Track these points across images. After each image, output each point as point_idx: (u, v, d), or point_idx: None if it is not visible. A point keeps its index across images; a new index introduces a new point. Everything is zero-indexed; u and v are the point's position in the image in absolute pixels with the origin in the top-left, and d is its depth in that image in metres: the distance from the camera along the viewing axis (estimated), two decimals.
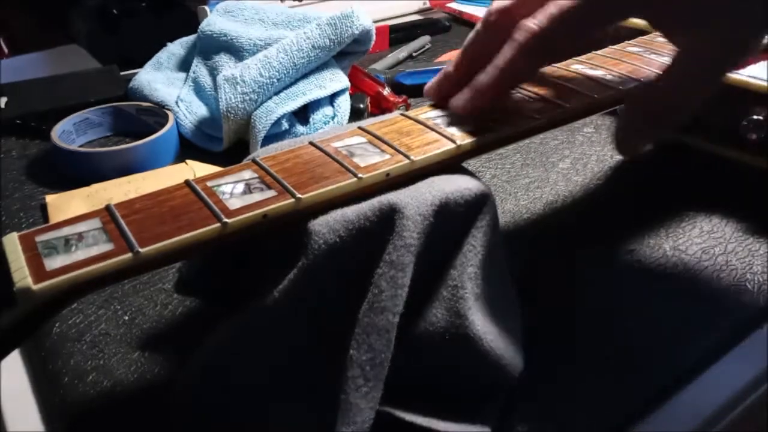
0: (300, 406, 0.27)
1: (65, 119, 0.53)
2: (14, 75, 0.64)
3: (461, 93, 0.33)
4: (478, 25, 0.35)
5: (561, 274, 0.39)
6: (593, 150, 0.53)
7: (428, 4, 0.94)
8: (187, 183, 0.27)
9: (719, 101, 0.43)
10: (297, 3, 0.82)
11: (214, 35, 0.60)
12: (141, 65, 0.65)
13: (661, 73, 0.33)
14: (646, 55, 0.42)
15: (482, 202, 0.30)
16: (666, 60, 0.39)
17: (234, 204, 0.26)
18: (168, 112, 0.55)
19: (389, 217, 0.27)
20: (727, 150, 0.47)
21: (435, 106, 0.35)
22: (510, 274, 0.32)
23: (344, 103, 0.54)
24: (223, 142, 0.53)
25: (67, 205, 0.45)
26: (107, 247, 0.24)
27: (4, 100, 0.58)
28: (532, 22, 0.30)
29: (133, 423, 0.30)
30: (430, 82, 0.35)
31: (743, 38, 0.30)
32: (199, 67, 0.61)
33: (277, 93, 0.52)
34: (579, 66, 0.40)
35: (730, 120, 0.45)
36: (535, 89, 0.36)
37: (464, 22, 0.89)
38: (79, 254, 0.23)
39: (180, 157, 0.53)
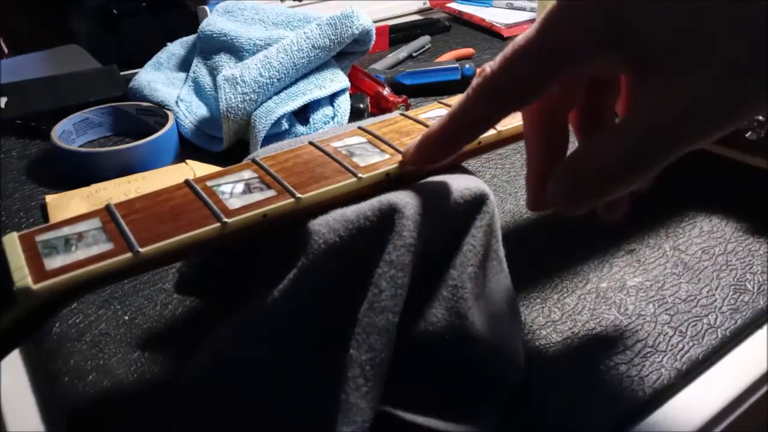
0: (300, 405, 0.27)
1: (65, 119, 0.53)
2: (14, 75, 0.64)
3: (413, 140, 0.30)
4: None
5: (561, 274, 0.39)
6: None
7: (428, 4, 0.94)
8: (186, 183, 0.28)
9: None
10: (297, 3, 0.82)
11: (214, 35, 0.60)
12: (141, 65, 0.65)
13: (601, 134, 0.24)
14: None
15: (482, 202, 0.30)
16: None
17: (234, 204, 0.26)
18: (168, 112, 0.55)
19: (389, 216, 0.27)
20: (727, 150, 0.47)
21: (434, 106, 0.35)
22: (510, 274, 0.32)
23: (344, 103, 0.54)
24: (223, 142, 0.53)
25: (67, 205, 0.45)
26: (107, 246, 0.24)
27: (4, 100, 0.58)
28: (488, 64, 0.26)
29: (133, 423, 0.30)
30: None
31: (728, 98, 0.22)
32: (199, 67, 0.61)
33: (277, 93, 0.52)
34: None
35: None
36: None
37: (464, 22, 0.89)
38: (79, 254, 0.23)
39: (180, 157, 0.53)
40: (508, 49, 0.25)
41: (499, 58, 0.25)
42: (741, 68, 0.21)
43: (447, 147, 0.28)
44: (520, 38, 0.25)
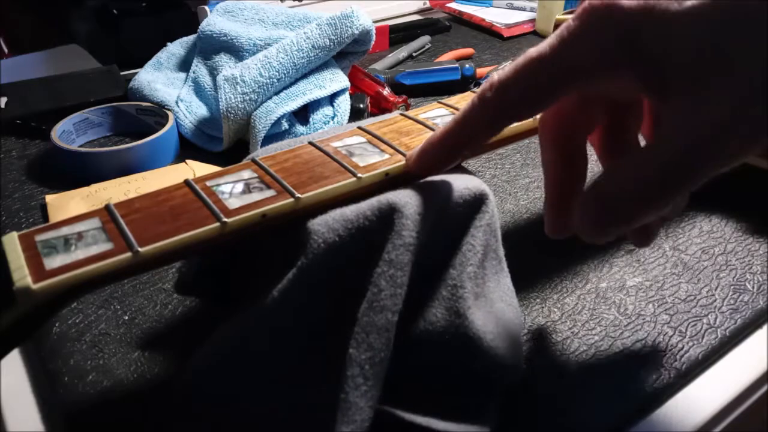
0: (299, 405, 0.27)
1: (65, 119, 0.53)
2: (14, 75, 0.64)
3: (417, 146, 0.29)
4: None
5: (561, 274, 0.39)
6: (592, 150, 0.53)
7: (428, 4, 0.94)
8: (186, 183, 0.28)
9: None
10: (297, 3, 0.82)
11: (214, 35, 0.60)
12: (141, 65, 0.65)
13: (638, 148, 0.24)
14: None
15: (482, 202, 0.30)
16: None
17: (233, 204, 0.26)
18: (168, 112, 0.55)
19: (389, 216, 0.27)
20: None
21: (434, 106, 0.35)
22: (510, 273, 0.32)
23: (344, 103, 0.54)
24: (223, 142, 0.53)
25: (67, 204, 0.45)
26: (107, 246, 0.24)
27: (4, 100, 0.58)
28: (497, 72, 0.26)
29: (133, 423, 0.30)
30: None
31: (753, 118, 0.21)
32: (199, 67, 0.61)
33: (277, 93, 0.52)
34: None
35: None
36: None
37: (464, 22, 0.89)
38: (79, 254, 0.23)
39: (180, 157, 0.53)
40: (520, 60, 0.25)
41: (509, 68, 0.25)
42: (763, 87, 0.21)
43: (450, 154, 0.28)
44: (533, 51, 0.25)
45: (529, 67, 0.25)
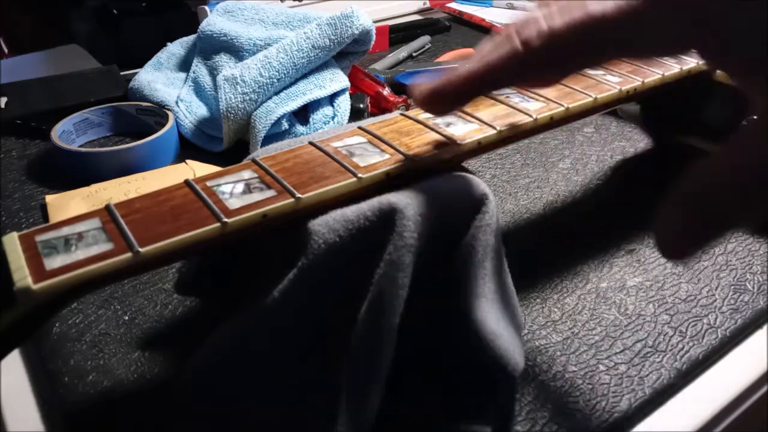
0: (299, 405, 0.27)
1: (65, 119, 0.53)
2: (14, 75, 0.64)
3: (428, 79, 0.26)
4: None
5: (561, 274, 0.39)
6: (593, 150, 0.53)
7: (428, 4, 0.94)
8: (186, 183, 0.27)
9: (719, 101, 0.43)
10: (297, 3, 0.82)
11: (214, 35, 0.60)
12: (141, 65, 0.65)
13: (728, 144, 0.21)
14: None
15: (482, 202, 0.30)
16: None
17: (234, 204, 0.26)
18: (168, 112, 0.55)
19: (389, 217, 0.27)
20: None
21: None
22: (510, 273, 0.32)
23: (344, 103, 0.54)
24: (223, 142, 0.53)
25: (67, 205, 0.45)
26: (107, 246, 0.24)
27: (4, 100, 0.58)
28: (545, 21, 0.23)
29: (133, 423, 0.30)
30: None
31: None
32: (199, 67, 0.61)
33: (277, 93, 0.52)
34: None
35: (730, 120, 0.45)
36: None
37: (464, 22, 0.89)
38: (79, 254, 0.23)
39: (180, 157, 0.53)
40: (577, 14, 0.22)
41: (561, 19, 0.23)
42: None
43: (469, 97, 0.26)
44: (597, 9, 0.22)
45: (590, 26, 0.22)
